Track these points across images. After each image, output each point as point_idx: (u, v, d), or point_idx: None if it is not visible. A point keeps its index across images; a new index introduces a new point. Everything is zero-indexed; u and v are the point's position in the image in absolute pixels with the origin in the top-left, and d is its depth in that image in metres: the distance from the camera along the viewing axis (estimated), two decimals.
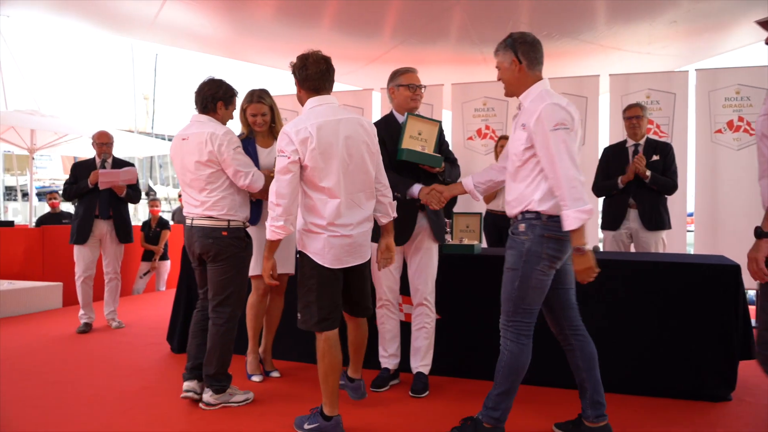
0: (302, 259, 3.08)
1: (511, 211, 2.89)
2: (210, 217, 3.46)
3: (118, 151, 5.90)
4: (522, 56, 2.88)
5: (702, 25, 7.61)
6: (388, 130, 3.69)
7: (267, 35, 8.83)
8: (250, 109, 3.95)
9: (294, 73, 3.10)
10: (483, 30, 7.83)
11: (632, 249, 5.13)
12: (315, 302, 3.03)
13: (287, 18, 8.10)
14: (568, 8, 7.13)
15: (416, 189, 3.56)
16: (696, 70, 6.85)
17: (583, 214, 2.61)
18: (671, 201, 5.22)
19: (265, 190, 3.47)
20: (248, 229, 3.72)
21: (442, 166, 3.69)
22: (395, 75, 3.77)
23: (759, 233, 2.36)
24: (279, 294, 4.10)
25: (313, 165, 2.93)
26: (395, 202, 3.33)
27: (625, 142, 5.13)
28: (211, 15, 8.38)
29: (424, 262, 3.73)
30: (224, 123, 3.60)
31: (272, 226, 2.95)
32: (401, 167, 3.62)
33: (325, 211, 2.98)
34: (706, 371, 3.55)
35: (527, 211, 2.79)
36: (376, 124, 3.61)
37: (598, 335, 3.70)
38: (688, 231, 6.92)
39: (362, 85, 9.33)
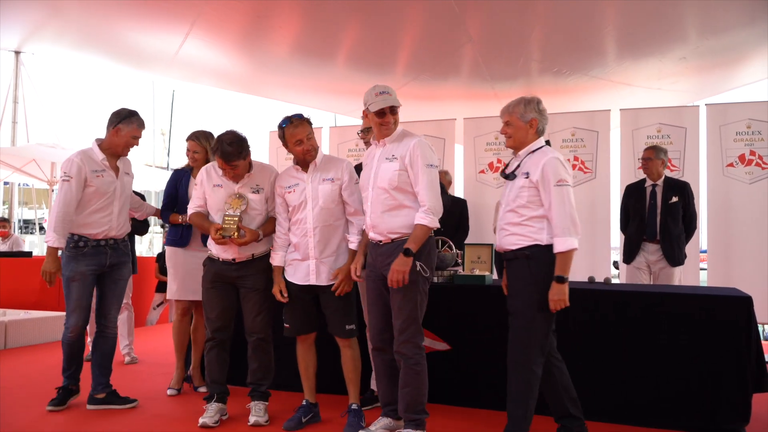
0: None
1: None
2: None
3: (138, 185, 5.92)
4: None
5: (711, 61, 7.70)
6: None
7: (283, 71, 9.04)
8: (187, 145, 4.46)
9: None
10: (494, 66, 7.98)
11: (649, 282, 5.23)
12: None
13: (303, 55, 8.31)
14: (578, 45, 7.27)
15: None
16: (706, 104, 6.91)
17: None
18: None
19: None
20: (175, 253, 4.26)
21: None
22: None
23: (407, 253, 3.12)
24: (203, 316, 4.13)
25: None
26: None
27: (644, 181, 5.27)
28: (230, 52, 8.61)
29: None
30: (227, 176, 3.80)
31: None
32: None
33: None
34: (719, 404, 3.51)
35: None
36: None
37: (610, 366, 3.71)
38: (701, 269, 6.89)
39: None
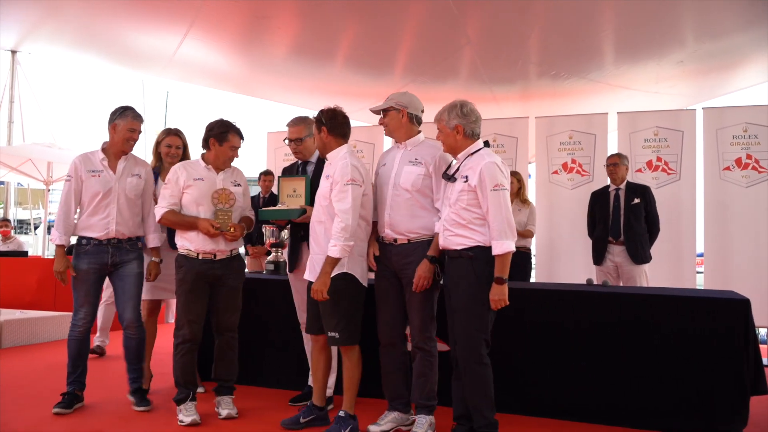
0: (347, 281, 3.40)
1: None
2: None
3: None
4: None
5: (708, 65, 7.73)
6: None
7: (281, 72, 9.04)
8: (165, 141, 4.38)
9: (323, 121, 3.53)
10: (493, 69, 7.99)
11: (620, 282, 5.50)
12: (359, 319, 3.48)
13: (301, 56, 8.31)
14: (576, 48, 7.28)
15: None
16: (703, 108, 6.93)
17: None
18: (681, 239, 5.45)
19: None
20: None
21: (306, 214, 3.73)
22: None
23: (432, 260, 3.35)
24: (155, 316, 4.46)
25: (368, 195, 3.46)
26: None
27: (608, 186, 5.66)
28: (227, 53, 8.61)
29: None
30: (219, 159, 3.80)
31: (347, 245, 3.30)
32: None
33: (364, 236, 3.49)
34: (717, 406, 3.52)
35: None
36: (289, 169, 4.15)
37: (607, 368, 3.72)
38: (698, 272, 6.91)
39: (373, 121, 9.47)
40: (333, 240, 3.31)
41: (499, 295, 3.11)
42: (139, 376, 4.02)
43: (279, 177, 4.03)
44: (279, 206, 3.86)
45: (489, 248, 3.15)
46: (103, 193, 3.86)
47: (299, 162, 4.05)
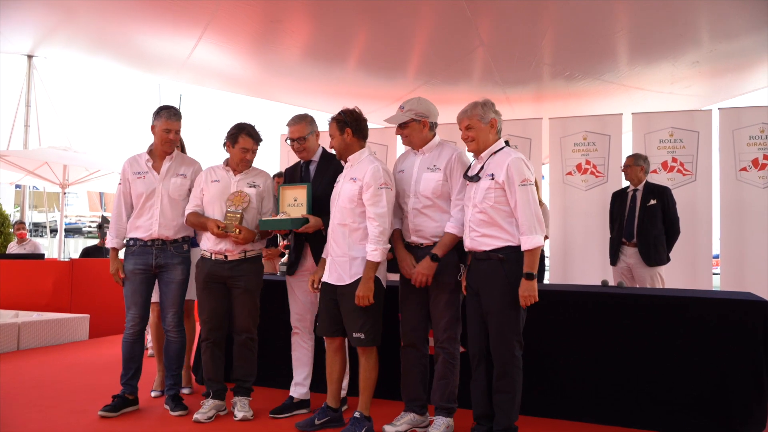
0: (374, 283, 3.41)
1: None
2: None
3: None
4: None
5: (724, 65, 7.67)
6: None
7: (294, 75, 9.07)
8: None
9: (347, 123, 3.53)
10: (506, 71, 7.98)
11: (635, 283, 5.46)
12: (381, 320, 3.48)
13: (315, 59, 8.33)
14: (590, 49, 7.26)
15: None
16: (719, 108, 6.88)
17: None
18: (697, 241, 5.37)
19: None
20: None
21: (308, 224, 3.68)
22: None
23: (434, 258, 3.34)
24: (189, 317, 4.44)
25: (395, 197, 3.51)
26: None
27: (627, 186, 5.64)
28: (240, 56, 8.65)
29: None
30: (233, 160, 3.86)
31: (386, 248, 3.38)
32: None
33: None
34: (735, 408, 3.48)
35: None
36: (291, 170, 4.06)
37: (624, 370, 3.69)
38: (714, 274, 6.85)
39: (386, 123, 9.47)
40: (373, 245, 3.35)
41: (529, 291, 3.09)
42: (177, 382, 4.02)
43: (279, 186, 3.94)
44: (280, 216, 3.77)
45: (518, 247, 3.14)
46: (146, 195, 3.88)
47: (302, 162, 3.97)
